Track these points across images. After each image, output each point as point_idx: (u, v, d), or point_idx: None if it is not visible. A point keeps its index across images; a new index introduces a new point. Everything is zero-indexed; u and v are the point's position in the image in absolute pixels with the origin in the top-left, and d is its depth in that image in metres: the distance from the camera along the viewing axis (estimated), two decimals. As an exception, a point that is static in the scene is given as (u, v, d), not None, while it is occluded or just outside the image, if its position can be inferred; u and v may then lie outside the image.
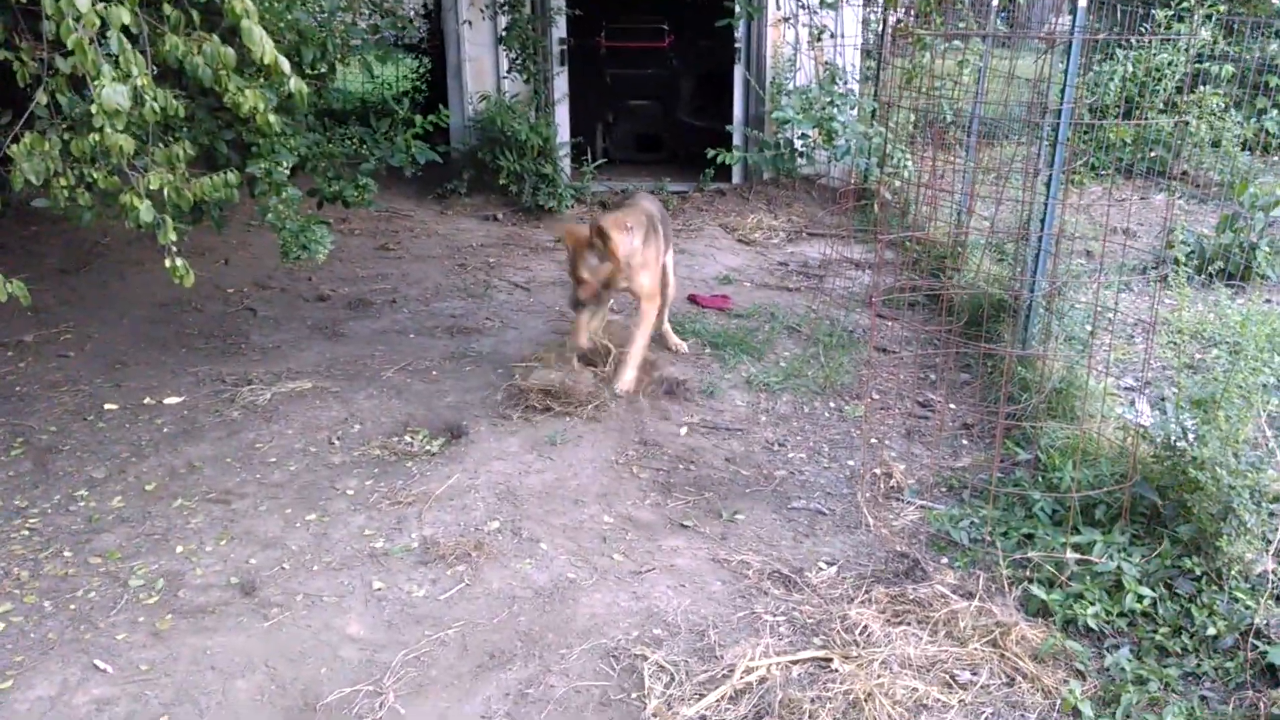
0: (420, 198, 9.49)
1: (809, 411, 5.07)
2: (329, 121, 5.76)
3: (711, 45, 10.32)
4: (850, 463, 4.55)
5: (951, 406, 5.11)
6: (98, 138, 3.04)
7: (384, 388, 5.34)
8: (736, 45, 9.24)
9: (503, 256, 7.87)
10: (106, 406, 5.11)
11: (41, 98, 3.71)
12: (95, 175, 4.05)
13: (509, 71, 9.03)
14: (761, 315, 6.41)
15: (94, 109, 2.89)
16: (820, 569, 3.71)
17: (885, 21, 8.39)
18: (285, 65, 3.26)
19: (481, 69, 9.19)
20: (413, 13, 14.02)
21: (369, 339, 6.08)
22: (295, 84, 3.40)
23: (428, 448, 4.73)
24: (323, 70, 4.87)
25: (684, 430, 4.85)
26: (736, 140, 9.44)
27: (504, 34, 8.77)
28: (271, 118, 3.84)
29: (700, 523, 4.03)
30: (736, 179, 9.59)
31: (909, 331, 6.06)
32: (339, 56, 4.82)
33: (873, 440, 4.72)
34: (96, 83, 2.87)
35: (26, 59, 3.76)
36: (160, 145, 4.26)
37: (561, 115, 9.36)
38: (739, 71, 9.32)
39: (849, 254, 7.69)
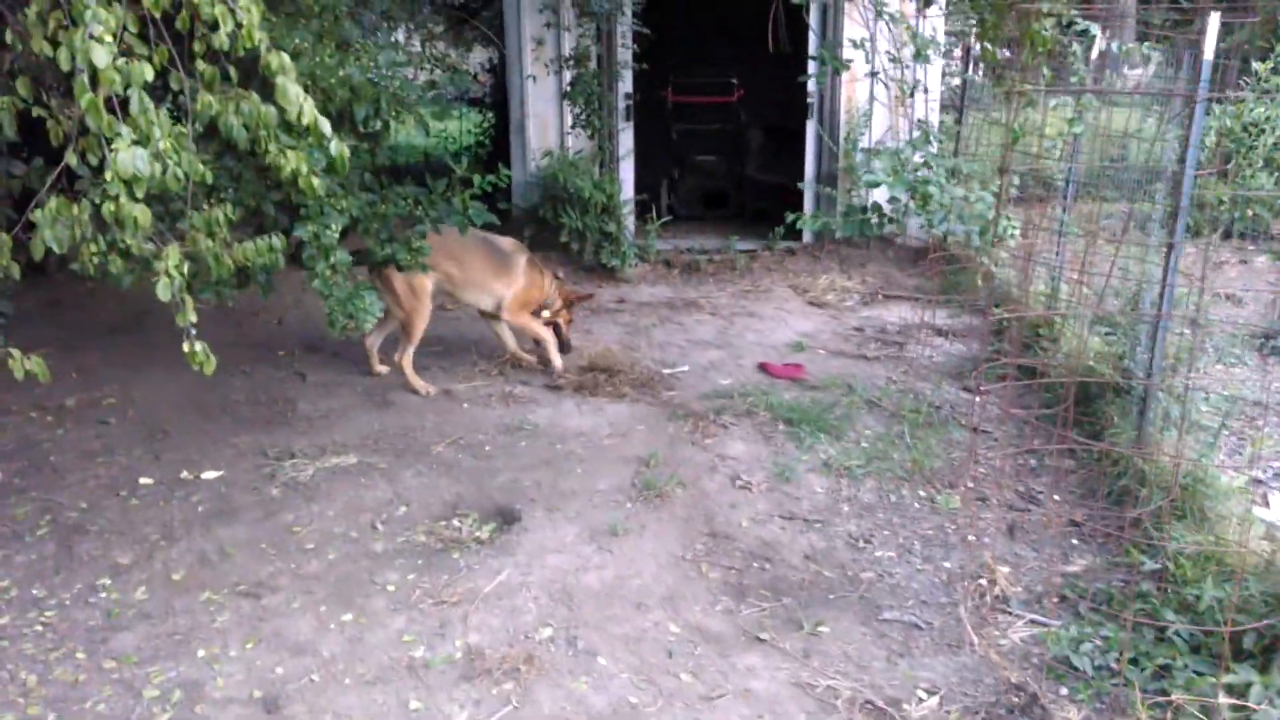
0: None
1: (896, 501, 4.58)
2: (385, 179, 5.49)
3: (782, 99, 10.00)
4: (946, 564, 4.05)
5: (1056, 499, 4.59)
6: (113, 207, 2.72)
7: (433, 464, 4.97)
8: (810, 100, 8.88)
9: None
10: (142, 481, 4.81)
11: (71, 159, 3.45)
12: (129, 241, 3.78)
13: (573, 127, 8.77)
14: (838, 387, 5.95)
15: (108, 176, 2.58)
16: (920, 699, 3.21)
17: (966, 77, 7.96)
18: (326, 127, 2.94)
19: (545, 124, 8.94)
20: (478, 68, 13.98)
21: (419, 408, 5.74)
22: (336, 147, 3.07)
23: (477, 534, 4.34)
24: (376, 128, 4.58)
25: (758, 520, 4.39)
26: (808, 198, 9.05)
27: (569, 89, 8.52)
28: (315, 181, 3.53)
29: (778, 635, 3.56)
30: (807, 238, 9.17)
31: (1004, 410, 5.55)
32: (393, 114, 4.52)
33: (970, 537, 4.22)
34: (113, 147, 2.57)
35: (59, 116, 3.53)
36: (199, 209, 4.00)
37: (626, 172, 9.06)
38: (811, 127, 8.95)
39: (931, 319, 7.21)
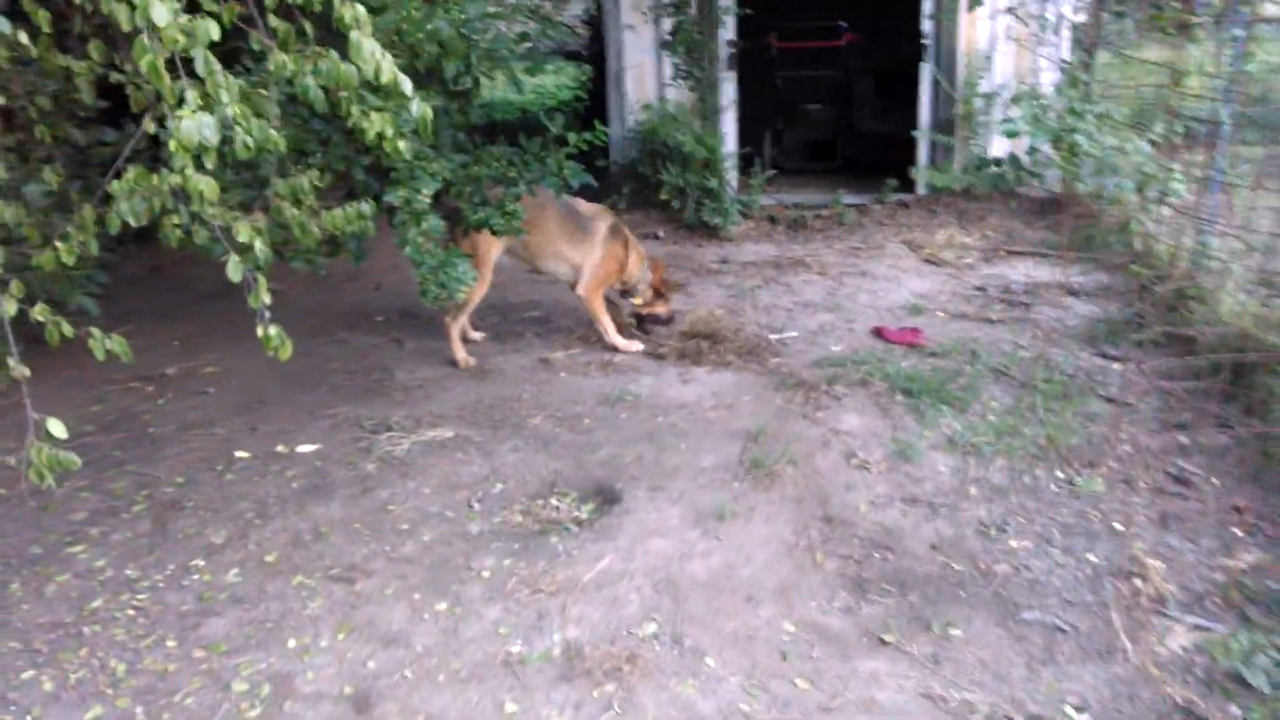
0: (578, 212, 8.95)
1: (1030, 483, 4.18)
2: (479, 139, 5.25)
3: (893, 42, 9.45)
4: (1090, 556, 3.66)
5: (1214, 482, 4.13)
6: (179, 178, 2.52)
7: (530, 438, 4.76)
8: (924, 41, 8.31)
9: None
10: (237, 454, 4.72)
11: (149, 126, 3.28)
12: (212, 211, 3.62)
13: (672, 78, 8.40)
14: (960, 353, 5.52)
15: (172, 145, 2.37)
16: (1068, 717, 2.87)
17: (1105, 9, 7.29)
18: (407, 86, 2.68)
19: (643, 76, 8.59)
20: (575, 20, 13.64)
21: (516, 377, 5.53)
22: (419, 108, 2.81)
23: (576, 514, 4.12)
24: (467, 85, 4.32)
25: (877, 503, 4.06)
26: (923, 148, 8.51)
27: (668, 37, 8.14)
28: (402, 144, 3.28)
29: (904, 637, 3.24)
30: (921, 189, 8.64)
31: (1151, 381, 5.05)
32: (484, 70, 4.26)
33: (1117, 526, 3.81)
34: (178, 114, 2.35)
35: (138, 81, 3.36)
36: (285, 176, 3.81)
37: (728, 124, 8.66)
38: (927, 71, 8.39)
39: (1063, 278, 6.69)
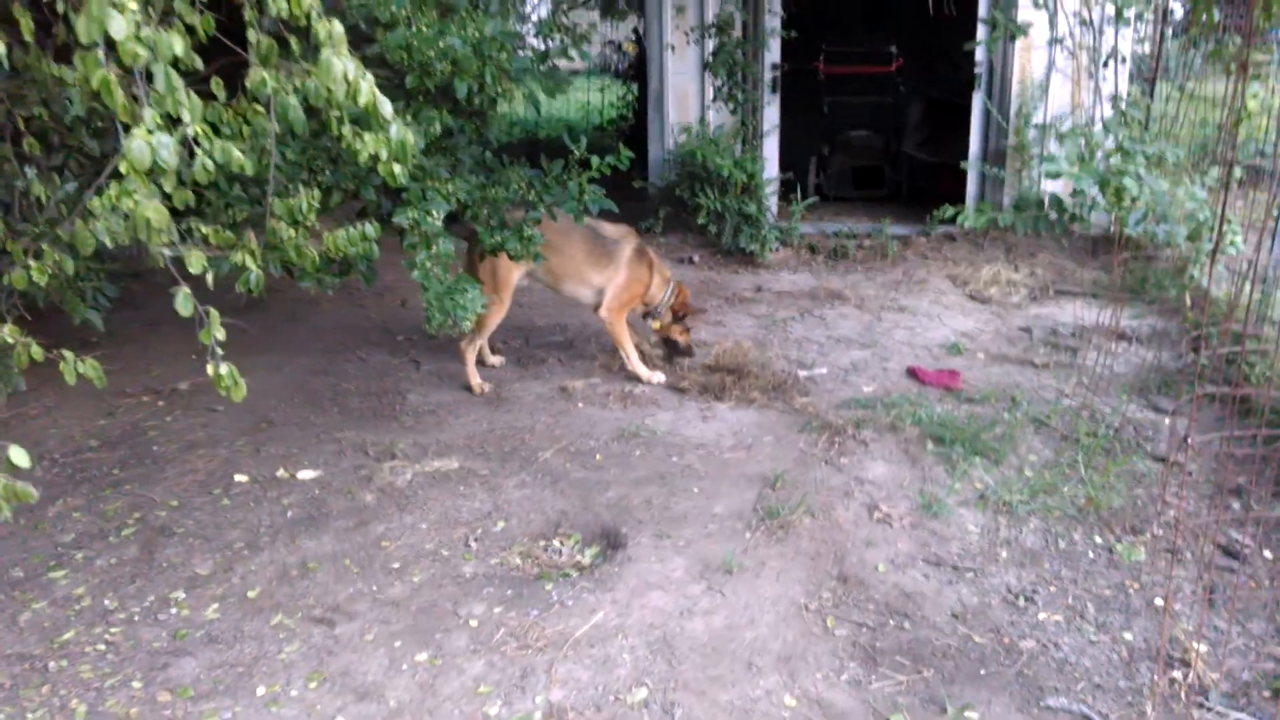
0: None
1: (1066, 548, 3.88)
2: (503, 158, 5.08)
3: (945, 70, 9.18)
4: (1127, 635, 3.35)
5: (1268, 556, 3.79)
6: (131, 203, 2.35)
7: (539, 473, 4.56)
8: (977, 70, 8.02)
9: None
10: (237, 478, 4.58)
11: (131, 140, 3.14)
12: (204, 230, 3.48)
13: (714, 100, 8.20)
14: (999, 400, 5.22)
15: (123, 167, 2.20)
16: (1092, 827, 2.58)
17: (1165, 43, 6.96)
18: (386, 109, 2.49)
19: (685, 98, 8.40)
20: (626, 38, 13.54)
21: (532, 406, 5.34)
22: (398, 132, 2.62)
23: (578, 558, 3.91)
24: (480, 105, 4.15)
25: (898, 564, 3.78)
26: (972, 180, 8.21)
27: (710, 59, 7.94)
28: (396, 168, 3.10)
29: (915, 718, 2.97)
30: (969, 222, 8.32)
31: (1197, 434, 4.71)
32: (500, 90, 4.08)
33: (1158, 602, 3.50)
34: (131, 134, 2.18)
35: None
36: (282, 194, 3.66)
37: (770, 148, 8.43)
38: (979, 100, 8.09)
39: (1114, 322, 6.34)
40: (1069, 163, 3.33)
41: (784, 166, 8.56)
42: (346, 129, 2.97)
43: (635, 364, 5.64)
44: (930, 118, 9.39)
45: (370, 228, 3.79)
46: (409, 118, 3.99)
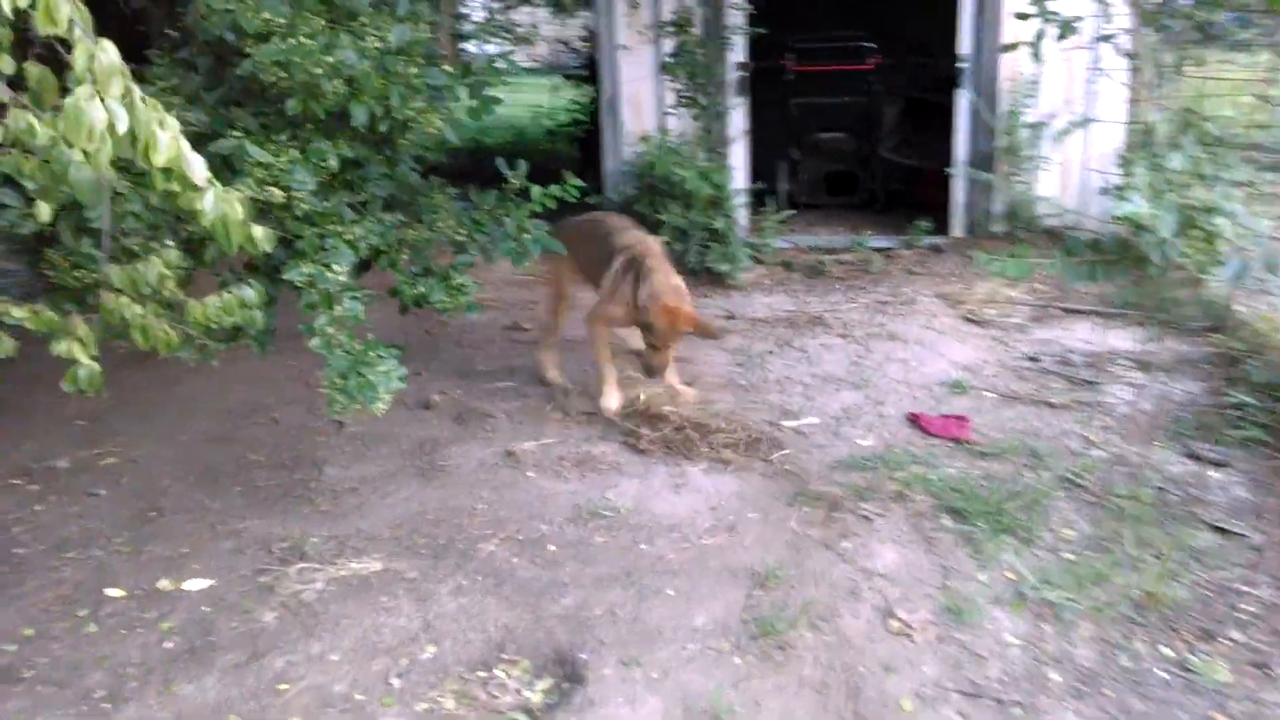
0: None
1: (1130, 666, 3.13)
2: (433, 182, 4.26)
3: (925, 64, 8.47)
4: (1228, 799, 2.62)
5: (1382, 669, 3.08)
6: None
7: (479, 573, 3.75)
8: (961, 65, 7.30)
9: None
10: (109, 592, 3.73)
11: None
12: (15, 313, 2.65)
13: (674, 106, 7.41)
14: (1019, 454, 4.49)
15: None
16: None
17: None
18: (195, 169, 1.68)
19: (641, 103, 7.61)
20: (577, 36, 12.73)
21: (472, 477, 4.53)
22: (214, 202, 1.81)
23: (526, 696, 3.12)
24: (388, 131, 3.33)
25: (925, 697, 3.02)
26: (958, 188, 7.50)
27: (668, 60, 7.15)
28: (258, 232, 2.28)
29: None
30: (957, 231, 7.65)
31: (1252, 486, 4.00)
32: (410, 112, 3.25)
33: (1260, 747, 2.77)
34: None
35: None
36: (122, 259, 2.83)
37: (737, 156, 7.67)
38: (964, 97, 7.36)
39: (1125, 344, 5.66)
40: (1142, 193, 2.59)
41: (754, 175, 7.80)
42: (176, 183, 2.15)
43: (605, 390, 5.10)
44: (909, 118, 8.68)
45: (250, 292, 2.98)
46: (295, 152, 3.16)
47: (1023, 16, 3.59)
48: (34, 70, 1.86)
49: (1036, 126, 7.10)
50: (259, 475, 4.65)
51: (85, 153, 1.61)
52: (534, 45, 10.25)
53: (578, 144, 11.64)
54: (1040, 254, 7.22)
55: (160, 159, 1.65)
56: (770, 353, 5.94)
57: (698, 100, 7.25)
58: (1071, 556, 3.69)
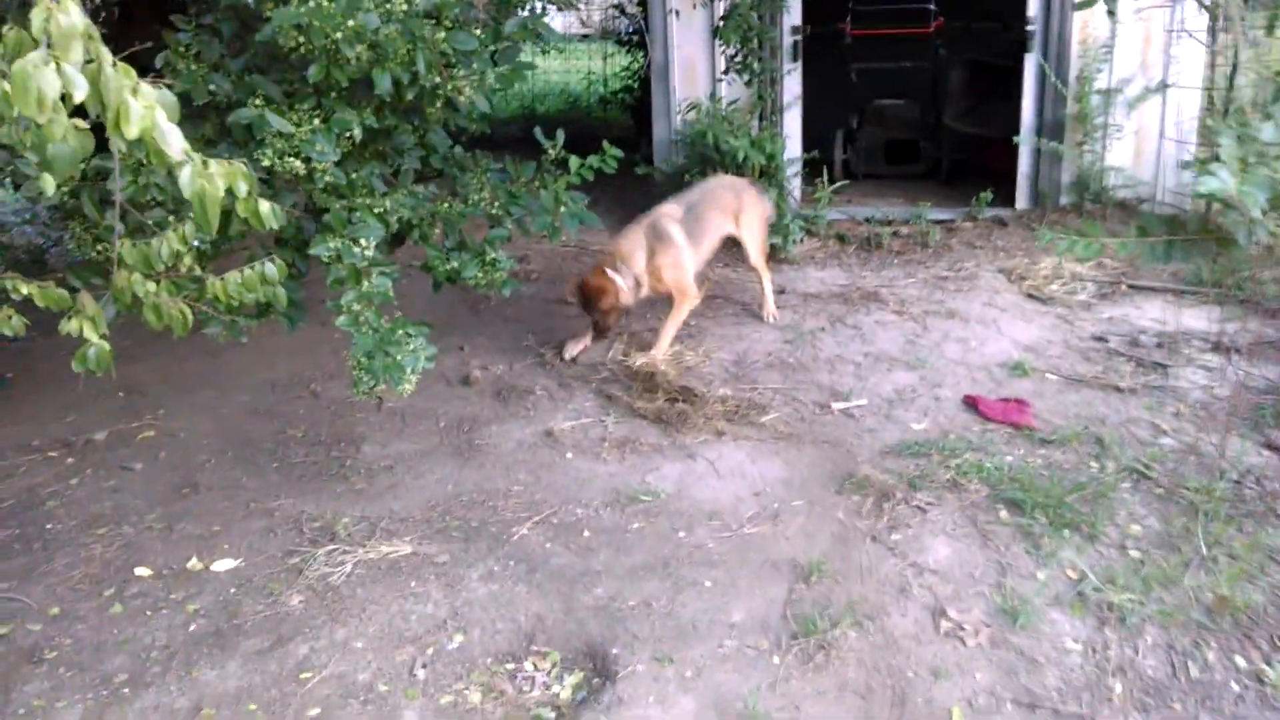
0: (617, 228, 7.74)
1: (1200, 676, 2.91)
2: (477, 154, 4.11)
3: (990, 27, 8.10)
4: (1311, 832, 2.40)
5: None
6: None
7: (511, 559, 3.63)
8: (1030, 28, 6.94)
9: (705, 315, 6.00)
10: (138, 571, 3.68)
11: None
12: (24, 289, 2.56)
13: (726, 72, 7.16)
14: (1083, 442, 4.24)
15: None
16: None
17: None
18: (170, 142, 1.54)
19: (693, 69, 7.37)
20: (629, 2, 12.48)
21: (509, 458, 4.41)
22: (191, 178, 1.66)
23: (555, 691, 3.00)
24: (415, 100, 3.17)
25: (978, 707, 2.83)
26: (1024, 157, 7.16)
27: (720, 25, 6.90)
28: (264, 208, 2.15)
29: None
30: (1022, 203, 7.31)
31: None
32: (437, 79, 3.09)
33: (1347, 775, 2.54)
34: None
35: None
36: (135, 235, 2.72)
37: (791, 124, 7.40)
38: (1032, 62, 7.01)
39: (1199, 324, 5.34)
40: (1229, 165, 2.34)
41: (808, 143, 7.52)
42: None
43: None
44: (974, 84, 8.31)
45: (272, 267, 2.85)
46: (316, 121, 3.02)
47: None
48: (10, 35, 1.74)
49: (1109, 93, 6.73)
50: (296, 451, 4.58)
51: (38, 125, 1.47)
52: (580, 10, 10.02)
53: (629, 112, 11.42)
54: (1111, 229, 6.87)
55: (132, 130, 1.51)
56: (821, 330, 5.71)
57: (751, 66, 6.99)
58: (1138, 555, 3.45)
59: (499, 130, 10.11)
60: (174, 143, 1.57)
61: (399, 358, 3.18)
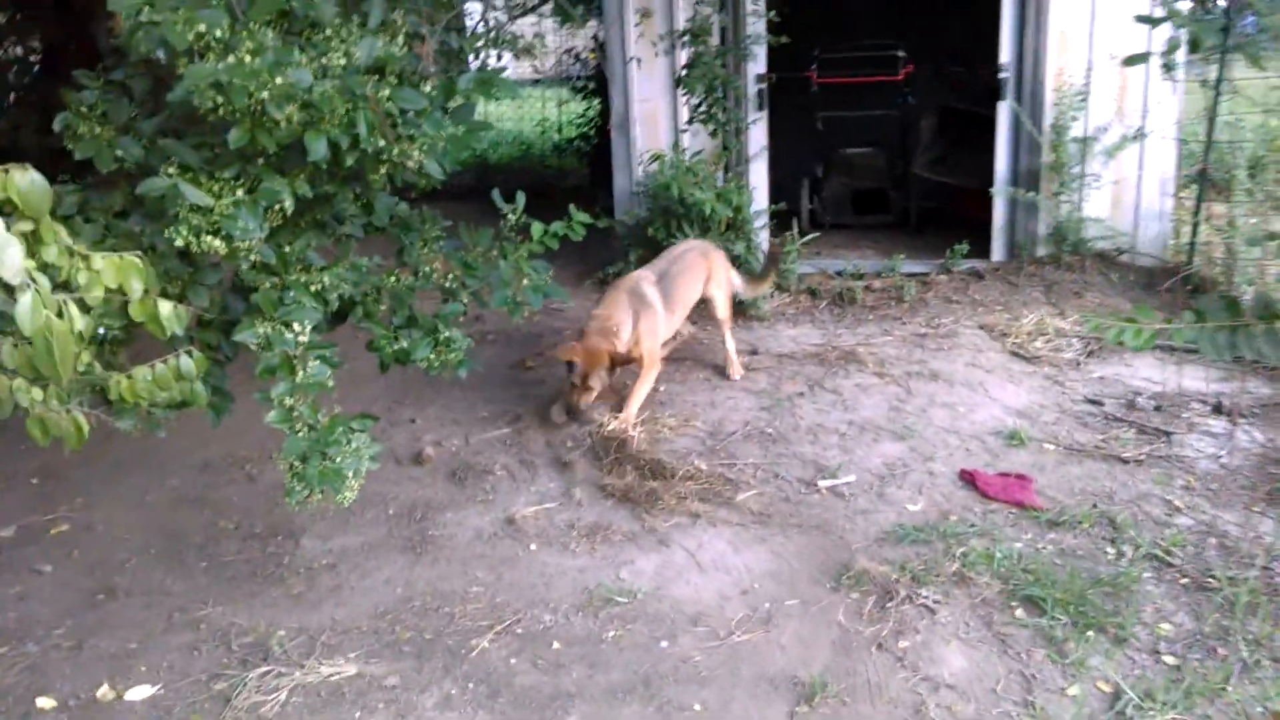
0: (577, 283, 7.41)
1: (1267, 816, 2.55)
2: (422, 211, 3.70)
3: (961, 73, 7.92)
4: None
5: None
6: None
7: (471, 679, 3.19)
8: (1002, 75, 6.72)
9: (674, 379, 5.63)
10: (40, 704, 3.19)
11: None
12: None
13: (689, 122, 6.86)
14: (1093, 522, 3.90)
15: None
16: None
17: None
18: (6, 263, 1.12)
19: (655, 119, 7.06)
20: (583, 48, 12.23)
21: (468, 551, 3.98)
22: (27, 310, 1.25)
23: None
24: (356, 164, 2.77)
25: None
26: (999, 208, 6.92)
27: (683, 73, 6.60)
28: (166, 309, 1.73)
29: None
30: (998, 255, 7.05)
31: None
32: (380, 143, 2.69)
33: None
34: None
35: None
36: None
37: (757, 175, 7.11)
38: (1005, 109, 6.78)
39: (1196, 384, 5.07)
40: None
41: (775, 194, 7.23)
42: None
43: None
44: (945, 132, 8.09)
45: (188, 361, 2.44)
46: (240, 193, 2.61)
47: (1150, 21, 3.00)
48: None
49: (1085, 141, 6.52)
50: (228, 547, 4.11)
51: None
52: (536, 57, 9.73)
53: (585, 160, 11.11)
54: (1087, 281, 6.64)
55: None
56: (800, 395, 5.36)
57: (715, 115, 6.69)
58: (1173, 660, 3.10)
59: (450, 178, 9.73)
60: (7, 262, 1.15)
61: (339, 460, 2.75)
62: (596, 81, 10.47)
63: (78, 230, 2.73)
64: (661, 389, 5.42)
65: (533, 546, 3.99)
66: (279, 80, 2.41)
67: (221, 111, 2.46)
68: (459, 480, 4.58)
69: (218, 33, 2.44)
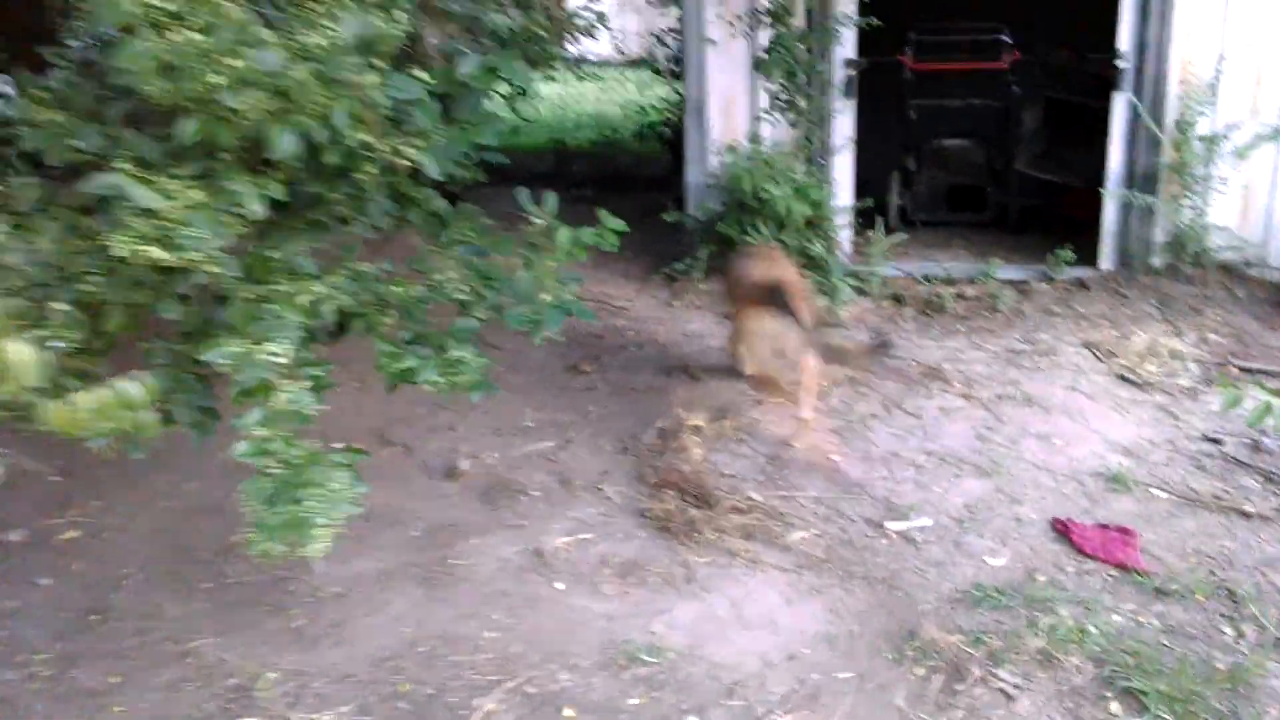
0: (643, 279, 6.94)
1: None
2: (464, 206, 3.32)
3: (1073, 61, 7.22)
4: None
5: None
6: None
7: (469, 749, 2.81)
8: (1120, 63, 6.03)
9: (744, 391, 5.13)
10: (7, 740, 2.92)
11: None
12: None
13: (768, 109, 6.34)
14: (1210, 593, 3.33)
15: None
16: None
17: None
18: None
19: (730, 106, 6.54)
20: (664, 28, 11.70)
21: (488, 587, 3.59)
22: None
23: None
24: (338, 163, 2.37)
25: None
26: (1110, 210, 6.25)
27: (763, 56, 6.08)
28: (21, 354, 1.36)
29: None
30: (1107, 264, 6.38)
31: None
32: (362, 139, 2.28)
33: None
34: None
35: None
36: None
37: (842, 169, 6.56)
38: (1121, 102, 6.09)
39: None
40: None
41: (860, 188, 6.67)
42: None
43: None
44: (1050, 125, 7.40)
45: (136, 388, 2.08)
46: (200, 194, 2.24)
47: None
48: None
49: (1213, 139, 5.81)
50: (235, 567, 3.80)
51: None
52: (616, 37, 9.24)
53: (668, 147, 10.62)
54: (1208, 293, 5.95)
55: None
56: (874, 417, 4.84)
57: (796, 103, 6.17)
58: (1311, 786, 2.54)
59: (524, 164, 9.35)
60: None
61: (307, 505, 2.37)
62: (679, 64, 9.97)
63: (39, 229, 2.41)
64: (729, 395, 4.97)
65: (559, 585, 3.59)
66: (237, 63, 2.02)
67: (173, 100, 2.09)
68: (490, 500, 4.21)
69: (171, 6, 2.06)
